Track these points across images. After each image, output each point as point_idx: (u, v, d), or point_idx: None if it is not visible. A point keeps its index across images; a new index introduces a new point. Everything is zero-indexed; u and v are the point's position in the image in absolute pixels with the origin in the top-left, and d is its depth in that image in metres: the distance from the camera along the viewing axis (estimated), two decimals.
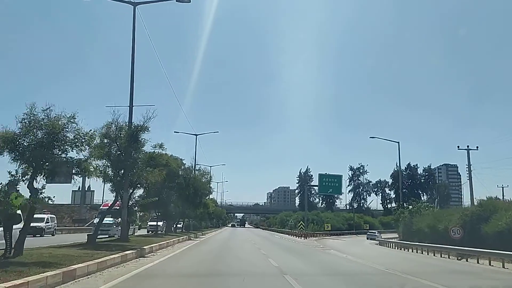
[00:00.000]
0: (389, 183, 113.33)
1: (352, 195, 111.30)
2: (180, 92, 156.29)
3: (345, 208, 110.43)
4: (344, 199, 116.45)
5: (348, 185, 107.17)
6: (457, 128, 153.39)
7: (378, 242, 39.92)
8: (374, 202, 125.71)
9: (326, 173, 55.08)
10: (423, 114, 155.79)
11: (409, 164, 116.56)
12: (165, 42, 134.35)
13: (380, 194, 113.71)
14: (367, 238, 49.46)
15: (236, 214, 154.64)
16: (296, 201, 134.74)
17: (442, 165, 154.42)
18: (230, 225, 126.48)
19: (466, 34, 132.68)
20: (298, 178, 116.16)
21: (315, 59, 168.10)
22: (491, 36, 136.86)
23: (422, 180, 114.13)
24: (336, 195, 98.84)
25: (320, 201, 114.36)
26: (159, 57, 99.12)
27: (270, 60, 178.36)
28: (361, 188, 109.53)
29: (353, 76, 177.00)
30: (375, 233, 52.98)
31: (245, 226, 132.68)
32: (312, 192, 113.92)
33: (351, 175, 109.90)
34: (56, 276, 8.07)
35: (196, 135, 45.34)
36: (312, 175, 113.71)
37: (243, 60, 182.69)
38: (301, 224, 51.05)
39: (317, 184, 56.22)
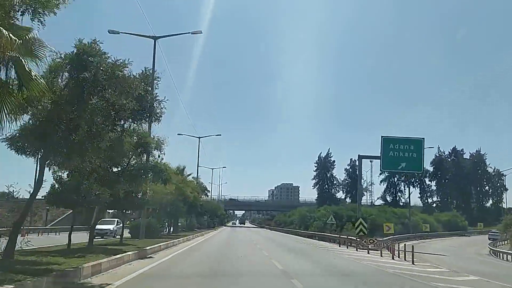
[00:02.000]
0: (430, 172, 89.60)
1: (385, 185, 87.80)
2: (180, 91, 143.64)
3: (370, 204, 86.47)
4: (374, 192, 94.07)
5: (380, 173, 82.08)
6: (457, 128, 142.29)
7: None
8: (408, 195, 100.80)
9: (394, 137, 31.01)
10: (423, 113, 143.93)
11: (454, 148, 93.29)
12: (164, 42, 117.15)
13: (418, 186, 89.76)
14: (489, 239, 44.51)
15: (236, 212, 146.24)
16: (300, 197, 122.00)
17: None
18: (231, 223, 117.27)
19: (466, 34, 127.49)
20: (316, 165, 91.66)
21: (315, 59, 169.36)
22: (491, 36, 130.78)
23: (469, 169, 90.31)
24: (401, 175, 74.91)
25: (344, 194, 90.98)
26: (159, 57, 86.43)
27: (270, 60, 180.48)
28: (397, 177, 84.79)
29: (353, 76, 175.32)
30: (497, 233, 46.41)
31: (245, 225, 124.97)
32: (335, 183, 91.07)
33: None
34: None
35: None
36: (334, 161, 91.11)
37: (243, 60, 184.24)
38: (361, 223, 27.41)
39: (377, 155, 30.59)
